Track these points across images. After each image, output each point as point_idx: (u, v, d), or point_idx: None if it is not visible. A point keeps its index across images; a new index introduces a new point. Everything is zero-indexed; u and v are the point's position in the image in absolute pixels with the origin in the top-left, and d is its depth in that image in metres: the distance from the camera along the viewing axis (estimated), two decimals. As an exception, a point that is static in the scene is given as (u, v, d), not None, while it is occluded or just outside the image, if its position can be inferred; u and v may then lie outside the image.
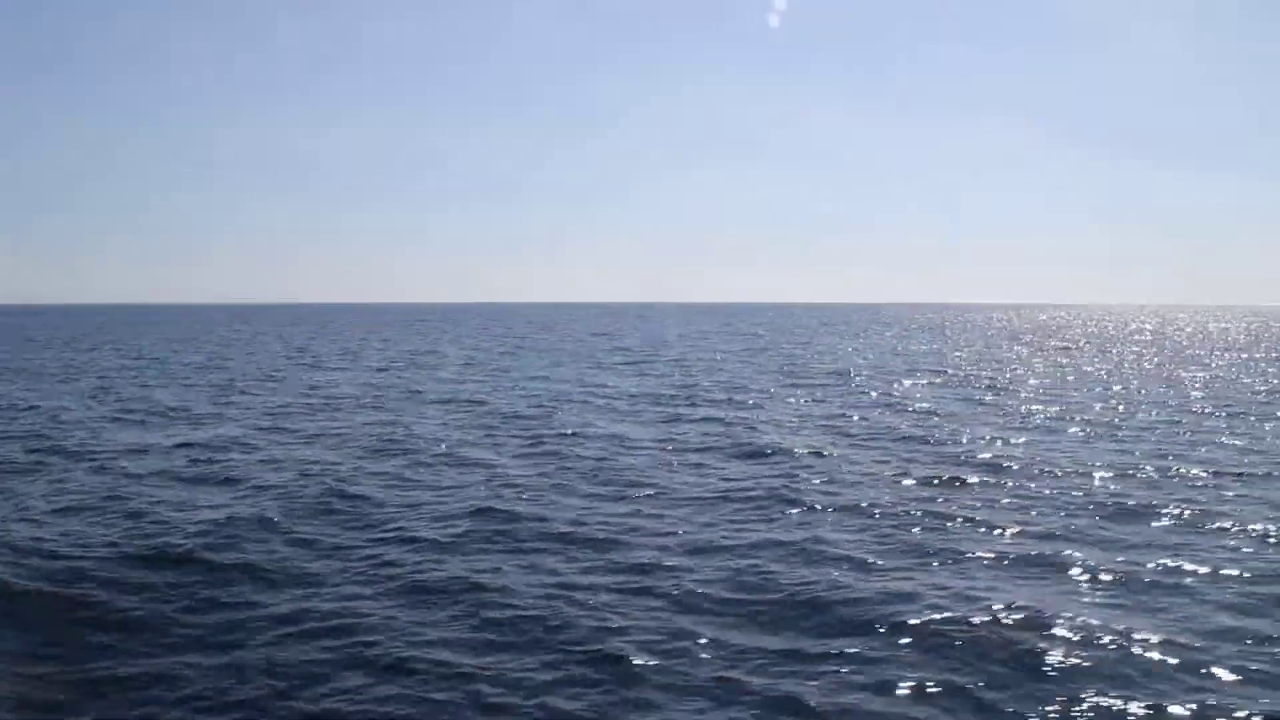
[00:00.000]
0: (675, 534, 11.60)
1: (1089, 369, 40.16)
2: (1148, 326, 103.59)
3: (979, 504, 13.26)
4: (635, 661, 7.71)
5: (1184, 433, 20.41)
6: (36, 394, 29.17)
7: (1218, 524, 12.00)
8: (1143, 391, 29.84)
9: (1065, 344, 63.15)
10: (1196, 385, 32.21)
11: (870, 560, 10.49)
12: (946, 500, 13.56)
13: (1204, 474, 15.38)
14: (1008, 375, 36.70)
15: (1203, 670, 7.50)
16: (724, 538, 11.43)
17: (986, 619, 8.51)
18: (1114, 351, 53.95)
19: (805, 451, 17.68)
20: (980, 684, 7.32)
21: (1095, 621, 8.54)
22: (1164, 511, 12.66)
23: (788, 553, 10.75)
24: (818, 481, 14.83)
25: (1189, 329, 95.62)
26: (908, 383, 33.54)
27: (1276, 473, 15.57)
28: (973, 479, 14.99)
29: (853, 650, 7.97)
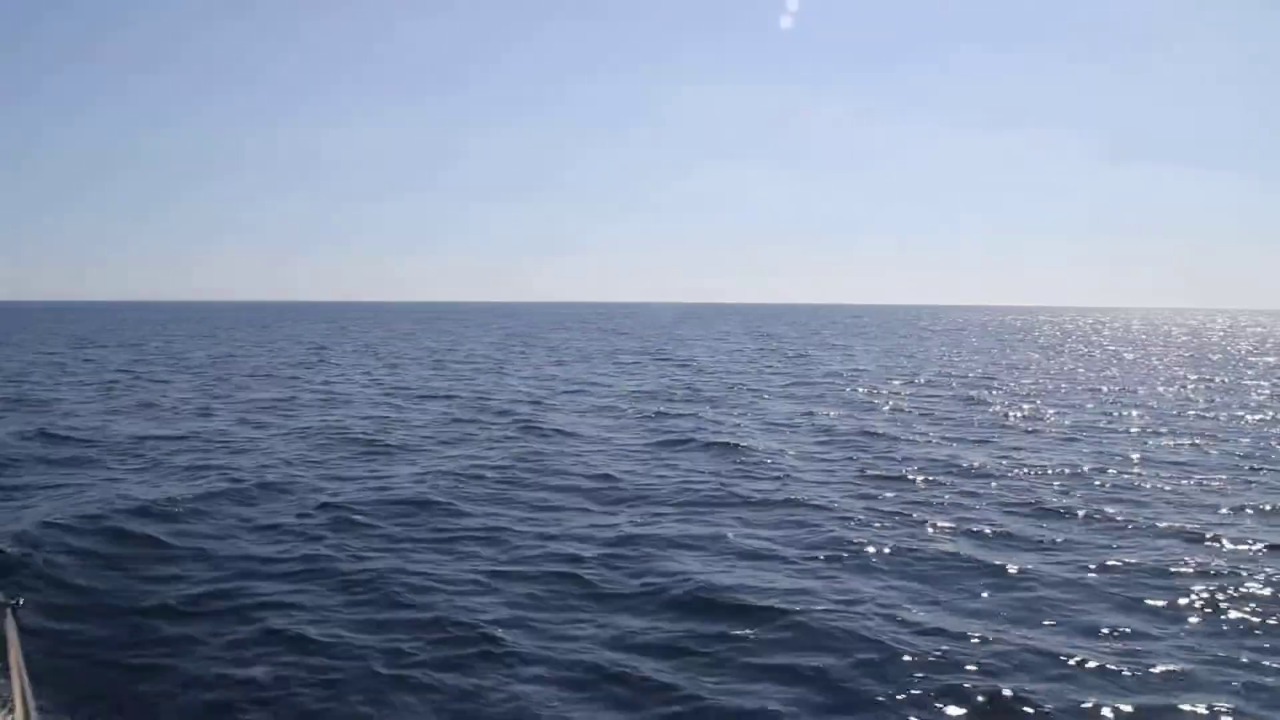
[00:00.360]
0: (605, 526, 11.99)
1: (1098, 373, 39.82)
2: (1178, 331, 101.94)
3: (915, 504, 13.44)
4: (522, 644, 8.07)
5: (1163, 438, 20.34)
6: (47, 388, 30.19)
7: (1148, 525, 12.13)
8: (1136, 396, 29.64)
9: (1088, 347, 62.51)
10: (1196, 390, 31.91)
11: (782, 553, 10.80)
12: (885, 498, 13.78)
13: (1160, 478, 15.44)
14: (1009, 379, 36.52)
15: (1066, 663, 7.73)
16: (651, 531, 11.76)
17: (868, 612, 8.81)
18: (1129, 356, 53.33)
19: (768, 449, 17.97)
20: (844, 673, 7.58)
21: (979, 618, 8.81)
22: (1099, 514, 12.77)
23: (705, 546, 11.08)
24: (765, 479, 15.12)
25: (1220, 333, 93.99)
26: (897, 383, 33.54)
27: (1235, 478, 15.59)
28: (921, 480, 15.17)
29: (735, 634, 8.30)
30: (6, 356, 46.18)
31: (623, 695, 7.30)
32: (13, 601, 3.79)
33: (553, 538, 11.33)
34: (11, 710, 3.68)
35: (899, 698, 7.17)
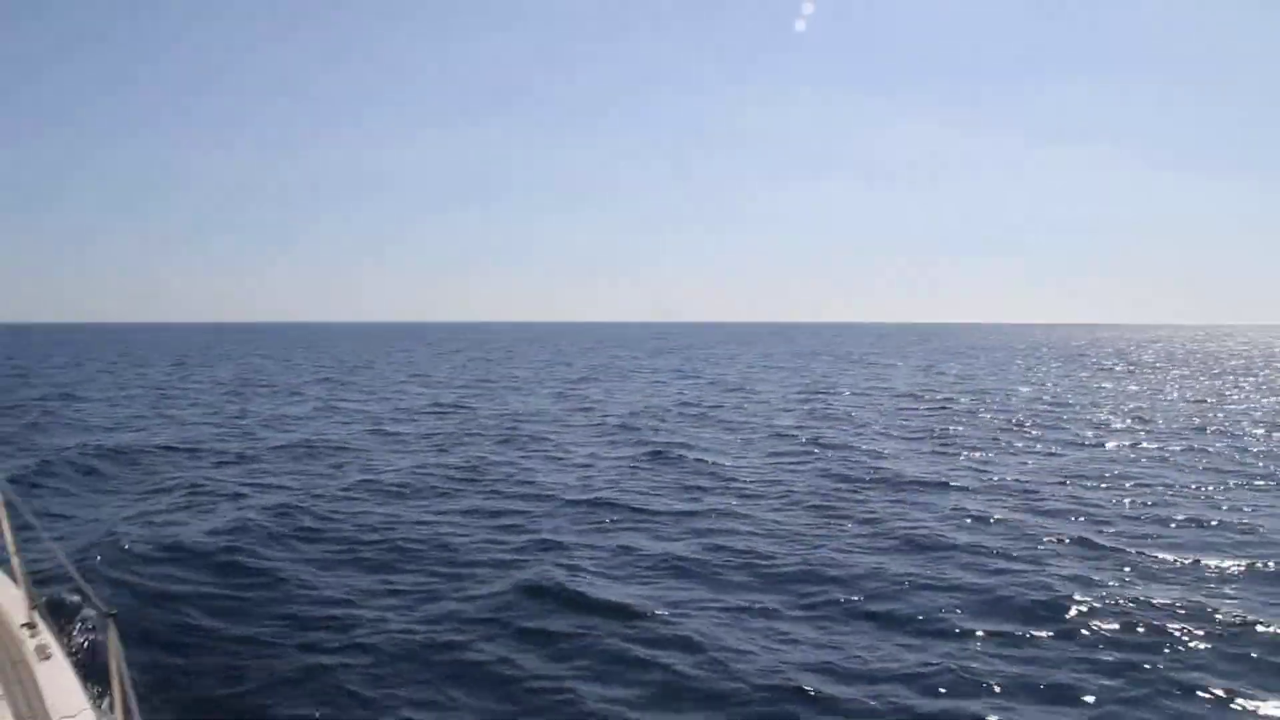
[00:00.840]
0: (524, 530, 12.60)
1: (1117, 388, 38.85)
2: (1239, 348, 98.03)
3: (850, 517, 13.56)
4: (389, 649, 8.44)
5: (1144, 454, 19.99)
6: (90, 402, 31.96)
7: (1070, 539, 12.11)
8: (1143, 414, 28.93)
9: (1130, 365, 60.77)
10: (1212, 409, 30.97)
11: (690, 559, 11.12)
12: (822, 511, 13.95)
13: (1112, 493, 15.30)
14: (1024, 396, 35.90)
15: (906, 670, 7.90)
16: (566, 538, 12.17)
17: (740, 620, 9.09)
18: (1176, 373, 51.70)
19: (738, 465, 18.25)
20: (686, 673, 7.84)
21: (853, 625, 9.01)
22: (1026, 526, 12.83)
23: (615, 551, 11.47)
24: (714, 493, 15.39)
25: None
26: (910, 402, 33.29)
27: (1191, 496, 15.35)
28: (870, 494, 15.31)
29: (597, 630, 8.72)
30: (64, 373, 48.70)
31: (466, 676, 7.77)
32: (113, 612, 3.90)
33: (454, 547, 11.75)
34: (114, 715, 3.88)
35: (727, 699, 7.41)
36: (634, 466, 17.93)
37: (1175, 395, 36.95)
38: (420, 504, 14.21)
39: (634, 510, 13.87)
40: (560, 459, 18.96)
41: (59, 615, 7.55)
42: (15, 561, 5.27)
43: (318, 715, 7.12)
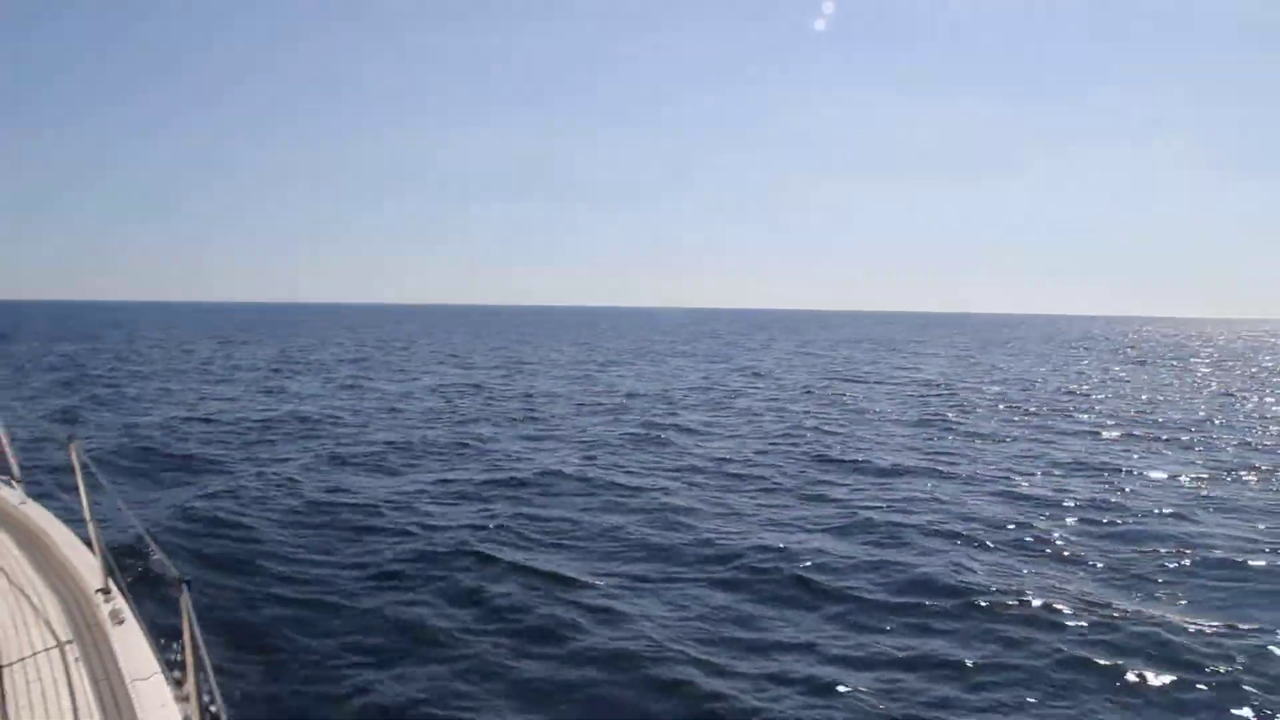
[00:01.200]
0: (483, 499, 13.29)
1: (1167, 381, 38.15)
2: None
3: (813, 498, 13.89)
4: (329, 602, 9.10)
5: (1142, 446, 19.86)
6: (131, 379, 33.40)
7: (1022, 525, 12.30)
8: (1160, 408, 28.49)
9: (1180, 360, 59.34)
10: (1235, 405, 30.34)
11: (627, 530, 11.60)
12: (789, 492, 14.27)
13: (1067, 484, 15.37)
14: (1053, 388, 35.52)
15: (783, 661, 8.23)
16: (516, 510, 12.71)
17: (651, 588, 9.53)
18: (1222, 366, 50.42)
19: (724, 446, 18.63)
20: (572, 634, 8.27)
21: (732, 600, 9.26)
22: (968, 512, 13.02)
23: (544, 526, 11.94)
24: (693, 474, 15.76)
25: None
26: (928, 392, 33.17)
27: (1149, 488, 15.33)
28: (845, 478, 15.58)
29: (499, 590, 9.18)
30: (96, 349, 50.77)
31: (406, 628, 8.34)
32: (186, 578, 3.97)
33: (430, 506, 12.49)
34: (186, 678, 4.03)
35: (629, 659, 7.81)
36: (623, 446, 18.40)
37: (1207, 391, 36.20)
38: (405, 475, 14.88)
39: (609, 485, 14.32)
40: (556, 437, 19.51)
41: (133, 580, 7.91)
42: (91, 528, 5.42)
43: (260, 661, 7.75)
